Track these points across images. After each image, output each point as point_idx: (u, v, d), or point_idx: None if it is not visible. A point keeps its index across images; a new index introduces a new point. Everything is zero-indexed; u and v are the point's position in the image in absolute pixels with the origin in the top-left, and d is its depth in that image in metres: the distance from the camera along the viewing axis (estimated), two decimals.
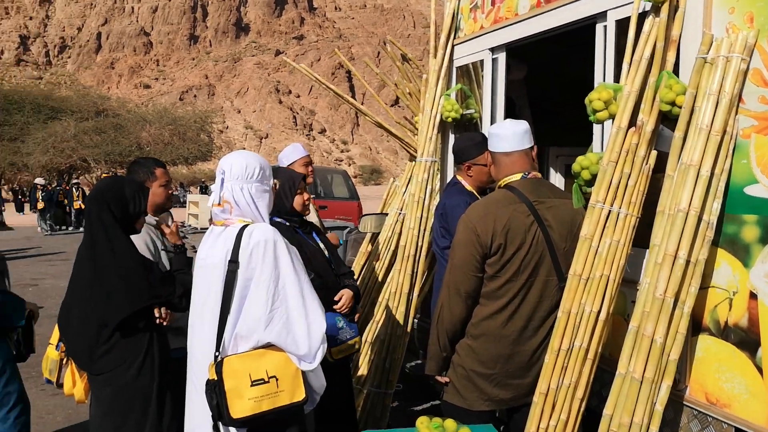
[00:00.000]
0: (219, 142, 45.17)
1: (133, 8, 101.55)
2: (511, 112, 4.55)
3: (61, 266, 12.82)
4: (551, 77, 5.77)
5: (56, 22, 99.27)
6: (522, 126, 2.95)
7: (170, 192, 3.57)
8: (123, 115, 38.56)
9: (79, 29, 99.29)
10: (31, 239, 19.42)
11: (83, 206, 21.16)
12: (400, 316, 4.35)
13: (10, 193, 40.33)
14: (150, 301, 2.88)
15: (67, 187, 22.98)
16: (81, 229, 20.88)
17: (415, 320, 4.59)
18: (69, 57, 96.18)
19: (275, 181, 2.80)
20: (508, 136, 2.92)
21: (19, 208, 32.68)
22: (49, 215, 21.31)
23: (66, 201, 22.39)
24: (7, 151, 35.83)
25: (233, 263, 2.50)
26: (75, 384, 3.04)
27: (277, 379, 2.48)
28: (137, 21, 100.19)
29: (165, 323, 3.10)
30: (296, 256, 2.59)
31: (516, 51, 4.27)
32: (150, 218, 3.37)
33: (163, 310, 2.97)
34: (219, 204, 2.59)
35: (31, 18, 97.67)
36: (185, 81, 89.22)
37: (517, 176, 2.90)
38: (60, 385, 3.13)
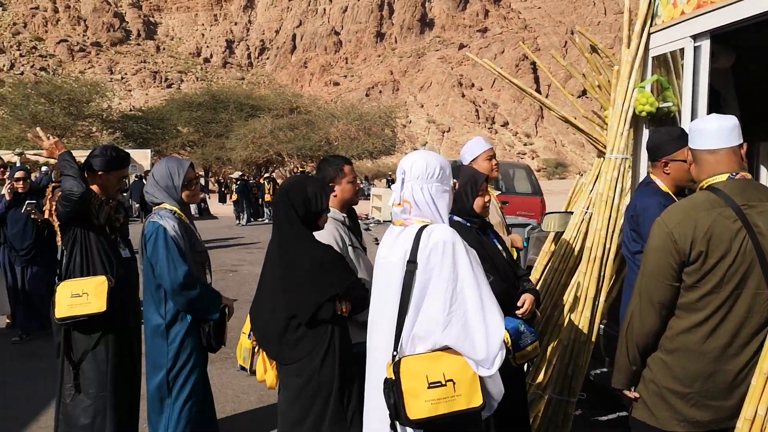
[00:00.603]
0: (402, 137, 46.19)
1: (324, 9, 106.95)
2: (714, 106, 4.13)
3: (258, 254, 13.78)
4: (763, 66, 5.16)
5: (257, 26, 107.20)
6: (730, 121, 2.63)
7: (357, 188, 3.66)
8: (314, 111, 40.71)
9: (277, 32, 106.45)
10: (232, 228, 21.14)
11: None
12: (584, 322, 4.13)
13: (216, 185, 44.11)
14: (334, 293, 2.95)
15: (261, 180, 24.31)
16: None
17: (602, 326, 4.34)
18: (267, 58, 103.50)
19: (455, 181, 2.75)
20: (714, 131, 2.61)
21: (222, 199, 35.66)
22: (243, 207, 22.52)
23: (258, 193, 23.61)
24: (213, 146, 39.42)
25: (412, 263, 2.49)
26: (266, 371, 3.19)
27: (454, 383, 2.44)
28: (328, 21, 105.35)
29: (345, 314, 3.14)
30: (475, 258, 2.53)
31: (722, 38, 3.86)
32: (338, 214, 3.48)
33: (345, 304, 3.04)
34: (399, 204, 2.59)
35: (235, 24, 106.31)
36: (371, 77, 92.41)
37: (723, 177, 2.59)
38: (253, 372, 3.31)
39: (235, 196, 22.64)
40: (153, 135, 40.09)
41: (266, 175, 25.24)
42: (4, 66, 77.44)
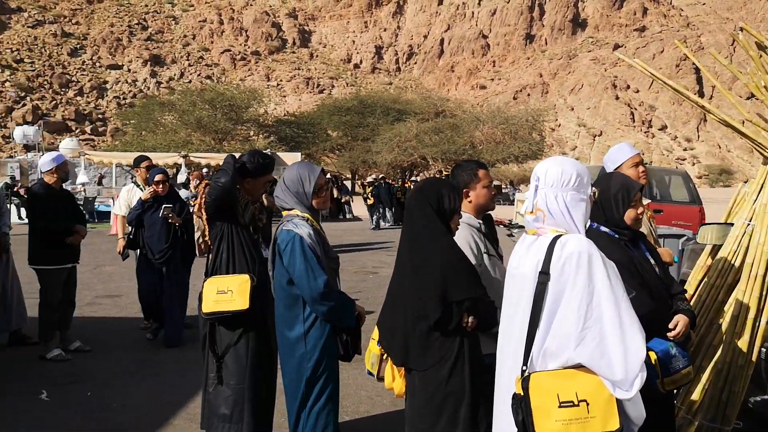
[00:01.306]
0: (550, 141, 44.98)
1: (473, 13, 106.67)
2: None
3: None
4: None
5: (406, 31, 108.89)
6: None
7: (493, 193, 3.55)
8: (459, 115, 40.71)
9: (425, 37, 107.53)
10: (375, 230, 21.50)
11: None
12: (742, 344, 3.76)
13: (361, 187, 45.22)
14: (463, 297, 2.87)
15: (406, 184, 24.16)
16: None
17: (763, 349, 3.93)
18: (415, 63, 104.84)
19: (594, 189, 2.58)
20: None
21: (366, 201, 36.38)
22: (378, 211, 22.12)
23: (403, 198, 23.07)
24: (360, 150, 40.53)
25: (544, 275, 2.37)
26: (394, 378, 3.16)
27: (587, 404, 2.28)
28: (476, 25, 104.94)
29: (469, 329, 3.01)
30: (614, 271, 2.35)
31: None
32: (473, 220, 3.40)
33: (471, 319, 2.93)
34: (531, 212, 2.47)
35: (384, 30, 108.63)
36: (519, 80, 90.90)
37: None
38: (380, 379, 3.30)
39: (370, 200, 22.17)
40: (304, 139, 41.80)
41: (412, 178, 25.02)
42: (174, 75, 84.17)
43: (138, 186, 7.40)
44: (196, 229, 7.74)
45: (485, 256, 3.34)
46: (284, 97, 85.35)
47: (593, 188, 2.57)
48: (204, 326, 3.97)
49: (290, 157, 23.38)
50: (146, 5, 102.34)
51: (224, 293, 3.78)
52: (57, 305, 6.49)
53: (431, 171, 38.18)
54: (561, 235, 2.40)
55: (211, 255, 4.07)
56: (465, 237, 3.24)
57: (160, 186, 6.86)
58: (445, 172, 24.60)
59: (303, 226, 3.40)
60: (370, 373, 3.42)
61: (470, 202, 3.45)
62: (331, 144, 44.58)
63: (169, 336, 6.87)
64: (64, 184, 6.75)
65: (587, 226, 2.57)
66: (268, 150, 24.72)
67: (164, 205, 6.76)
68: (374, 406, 5.22)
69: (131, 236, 7.09)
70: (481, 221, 3.47)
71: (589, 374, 2.31)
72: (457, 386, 2.91)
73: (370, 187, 22.23)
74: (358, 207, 31.67)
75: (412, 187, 22.69)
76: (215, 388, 3.85)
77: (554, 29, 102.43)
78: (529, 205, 2.48)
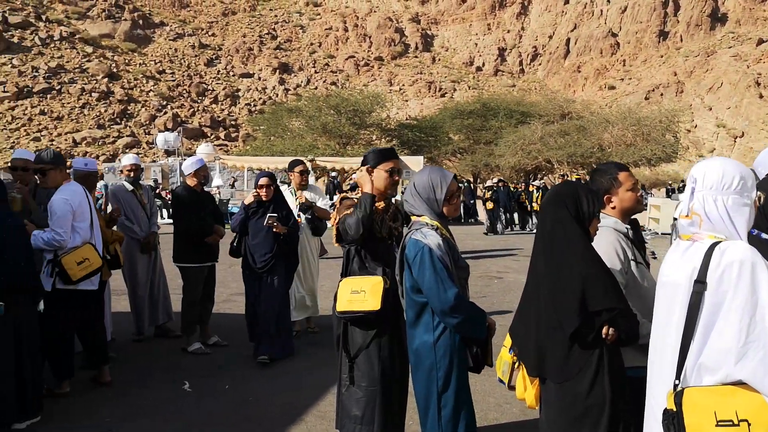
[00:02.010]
0: (686, 143, 42.52)
1: (602, 11, 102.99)
2: None
3: (524, 262, 13.62)
4: None
5: (530, 32, 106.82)
6: None
7: (639, 195, 3.36)
8: (586, 117, 39.33)
9: (550, 37, 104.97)
10: (499, 234, 21.18)
11: None
12: None
13: (484, 191, 44.73)
14: (602, 307, 2.74)
15: (531, 188, 23.34)
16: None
17: None
18: (539, 64, 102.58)
19: (759, 194, 2.38)
20: None
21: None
22: (497, 216, 21.36)
23: (527, 202, 22.50)
24: (483, 153, 40.13)
25: (699, 284, 2.21)
26: (526, 388, 3.06)
27: (749, 424, 2.11)
28: (605, 23, 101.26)
29: (609, 341, 2.86)
30: None
31: None
32: (620, 225, 3.23)
33: (611, 329, 2.78)
34: (687, 216, 2.31)
35: (508, 31, 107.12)
36: (652, 80, 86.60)
37: None
38: (512, 387, 3.21)
39: (490, 204, 21.20)
40: (426, 142, 41.87)
41: (536, 182, 24.11)
42: (301, 82, 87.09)
43: (290, 190, 7.42)
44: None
45: (632, 263, 3.15)
46: (406, 101, 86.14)
47: (758, 192, 2.37)
48: (338, 326, 4.04)
49: (413, 161, 23.50)
50: (276, 16, 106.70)
51: (357, 293, 3.83)
52: (198, 301, 6.87)
53: (556, 174, 37.19)
54: (720, 242, 2.23)
55: (343, 259, 4.16)
56: (611, 242, 3.08)
57: (264, 190, 6.45)
58: (574, 176, 23.69)
59: (432, 236, 3.28)
60: (501, 381, 3.33)
61: (614, 208, 3.28)
62: (453, 147, 44.41)
63: (264, 351, 6.41)
64: (204, 187, 7.15)
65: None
66: None
67: (269, 214, 6.33)
68: (503, 413, 5.13)
69: (234, 244, 6.66)
70: (628, 226, 3.28)
71: (751, 392, 2.14)
72: (597, 399, 2.78)
73: (490, 191, 21.52)
74: (482, 210, 31.38)
75: (534, 191, 22.05)
76: (348, 389, 3.91)
77: (690, 25, 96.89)
78: (684, 209, 2.32)
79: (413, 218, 3.50)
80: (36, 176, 5.56)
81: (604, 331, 2.75)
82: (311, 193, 7.52)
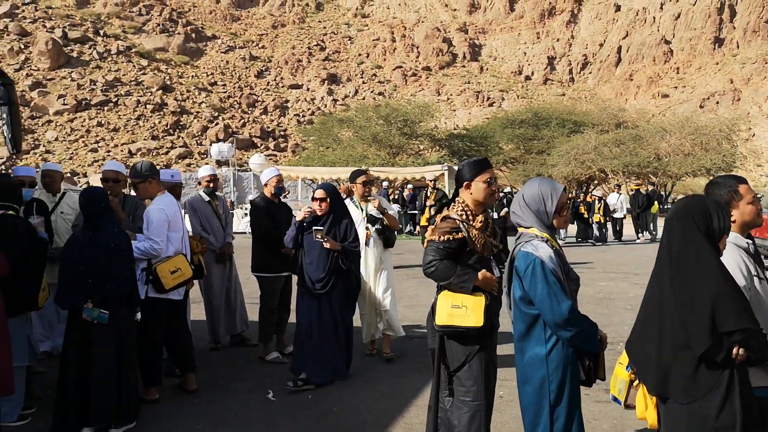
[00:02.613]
0: (744, 151, 41.35)
1: (654, 18, 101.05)
2: None
3: (589, 274, 13.39)
4: None
5: (580, 41, 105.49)
6: None
7: (759, 208, 3.27)
8: (642, 126, 38.65)
9: (601, 45, 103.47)
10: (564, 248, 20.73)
11: (603, 220, 20.88)
12: None
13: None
14: (733, 328, 2.66)
15: (590, 199, 22.54)
16: (606, 242, 20.98)
17: None
18: (590, 72, 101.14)
19: None
20: None
21: None
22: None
23: (587, 213, 21.50)
24: (535, 163, 39.73)
25: None
26: (647, 407, 2.98)
27: None
28: (658, 30, 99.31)
29: (738, 361, 2.78)
30: None
31: None
32: (741, 240, 3.15)
33: (741, 350, 2.69)
34: None
35: (557, 40, 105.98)
36: (707, 87, 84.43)
37: None
38: (627, 406, 3.13)
39: (596, 217, 20.64)
40: (476, 152, 41.70)
41: (596, 193, 23.32)
42: (350, 93, 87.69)
43: (354, 202, 6.93)
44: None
45: (755, 279, 3.08)
46: (454, 111, 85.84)
47: None
48: (434, 339, 4.02)
49: None
50: (324, 27, 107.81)
51: (458, 308, 3.80)
52: (275, 310, 6.94)
53: (610, 184, 36.56)
54: None
55: None
56: (735, 259, 3.00)
57: (319, 204, 5.91)
58: (633, 186, 23.12)
59: (543, 248, 3.25)
60: (615, 399, 3.27)
61: (734, 221, 3.21)
62: (504, 157, 44.12)
63: (311, 376, 5.89)
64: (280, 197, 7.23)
65: None
66: (446, 164, 24.70)
67: (315, 227, 5.75)
68: (593, 430, 5.00)
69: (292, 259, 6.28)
70: (749, 241, 3.20)
71: None
72: (727, 421, 2.69)
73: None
74: None
75: (595, 202, 21.30)
76: (451, 405, 3.88)
77: (747, 31, 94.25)
78: None
79: (521, 230, 3.47)
80: (135, 186, 5.66)
81: (734, 351, 2.67)
82: (384, 199, 7.14)
